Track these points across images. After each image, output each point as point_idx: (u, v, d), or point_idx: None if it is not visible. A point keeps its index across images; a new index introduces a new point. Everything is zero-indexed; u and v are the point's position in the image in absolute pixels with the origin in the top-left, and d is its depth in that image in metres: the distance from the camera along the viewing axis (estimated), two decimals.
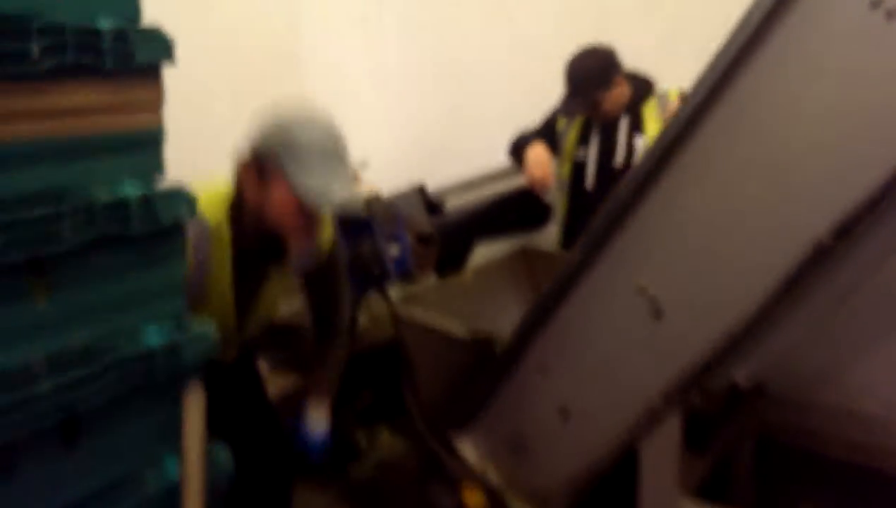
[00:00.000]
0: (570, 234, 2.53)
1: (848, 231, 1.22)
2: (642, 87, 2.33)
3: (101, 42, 0.80)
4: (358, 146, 3.22)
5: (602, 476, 1.88)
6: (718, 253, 1.41)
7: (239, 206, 1.39)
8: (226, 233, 1.39)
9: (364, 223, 2.07)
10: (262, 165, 1.32)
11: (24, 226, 0.77)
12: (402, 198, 2.06)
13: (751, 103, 1.30)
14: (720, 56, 1.30)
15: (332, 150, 1.33)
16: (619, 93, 2.27)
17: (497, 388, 2.00)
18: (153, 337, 0.91)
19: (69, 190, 0.81)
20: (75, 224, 0.81)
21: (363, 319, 3.21)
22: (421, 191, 2.31)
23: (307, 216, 1.34)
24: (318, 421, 1.88)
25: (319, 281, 1.74)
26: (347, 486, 2.65)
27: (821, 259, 1.26)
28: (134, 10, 0.86)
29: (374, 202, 2.08)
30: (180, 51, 0.88)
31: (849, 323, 2.21)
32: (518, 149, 2.43)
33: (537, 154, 2.32)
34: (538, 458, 1.98)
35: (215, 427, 1.00)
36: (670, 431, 1.67)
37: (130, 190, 0.86)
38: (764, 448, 2.32)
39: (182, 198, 0.92)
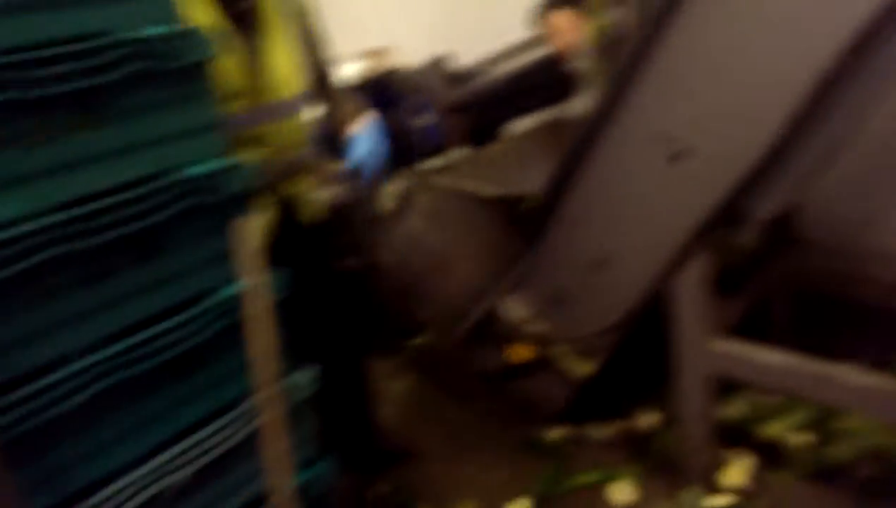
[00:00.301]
0: None
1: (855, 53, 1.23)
2: None
3: None
4: (389, 27, 3.21)
5: (638, 322, 1.99)
6: (735, 86, 1.43)
7: None
8: None
9: (390, 96, 2.13)
10: None
11: (70, 59, 0.90)
12: (423, 70, 2.11)
13: None
14: None
15: None
16: None
17: (534, 245, 2.11)
18: (197, 167, 1.06)
19: (103, 31, 0.93)
20: (110, 60, 0.93)
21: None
22: (439, 64, 2.33)
23: None
24: None
25: None
26: (406, 357, 2.84)
27: (836, 76, 1.27)
28: None
29: (395, 75, 2.13)
30: None
31: (886, 165, 2.19)
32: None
33: (559, 21, 2.31)
34: (578, 309, 2.09)
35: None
36: (699, 271, 1.74)
37: (152, 29, 0.97)
38: (804, 297, 2.36)
39: (200, 40, 1.03)
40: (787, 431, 2.12)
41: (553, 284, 2.14)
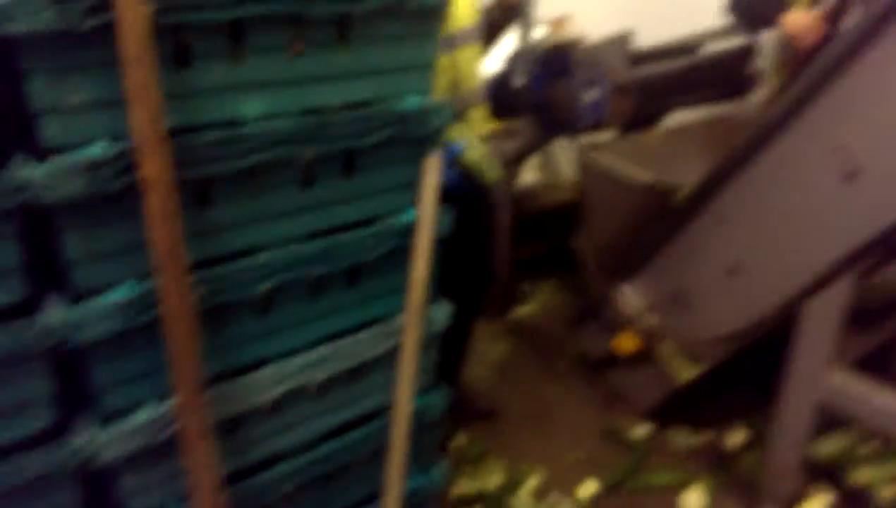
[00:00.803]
0: None
1: None
2: None
3: None
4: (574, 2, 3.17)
5: (758, 339, 1.96)
6: None
7: None
8: None
9: (565, 66, 2.15)
10: None
11: None
12: (606, 46, 2.11)
13: None
14: None
15: None
16: None
17: (671, 237, 2.10)
18: (411, 101, 1.14)
19: None
20: None
21: (543, 178, 3.36)
22: (625, 41, 2.33)
23: None
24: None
25: None
26: (510, 323, 2.93)
27: None
28: None
29: (576, 46, 2.15)
30: None
31: None
32: (744, 5, 2.31)
33: (799, 21, 2.18)
34: (700, 311, 2.09)
35: None
36: (838, 296, 1.70)
37: None
38: None
39: None
40: (879, 480, 2.07)
41: (678, 281, 2.14)
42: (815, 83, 1.58)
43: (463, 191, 1.64)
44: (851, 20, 2.19)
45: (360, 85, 1.10)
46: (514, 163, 2.50)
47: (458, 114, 1.88)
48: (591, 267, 2.41)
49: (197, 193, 1.01)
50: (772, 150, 1.74)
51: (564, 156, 3.16)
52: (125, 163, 0.91)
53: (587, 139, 2.42)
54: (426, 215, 1.23)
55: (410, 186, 1.24)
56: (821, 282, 1.69)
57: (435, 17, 1.13)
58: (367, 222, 1.22)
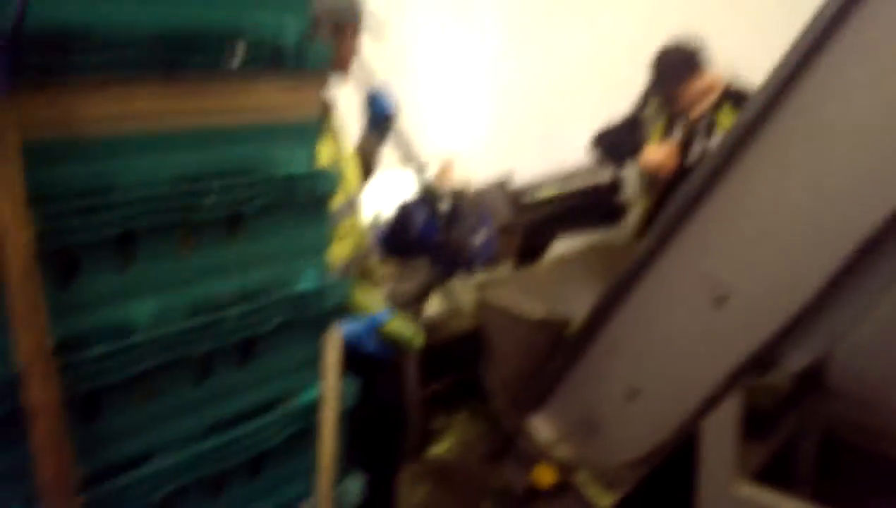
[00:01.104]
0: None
1: None
2: (728, 94, 2.45)
3: (286, 50, 1.06)
4: (453, 138, 3.45)
5: (666, 458, 2.03)
6: (784, 238, 1.55)
7: None
8: None
9: (454, 211, 2.28)
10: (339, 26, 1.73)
11: (226, 192, 1.03)
12: (489, 190, 2.27)
13: (817, 100, 1.44)
14: (782, 64, 1.45)
15: None
16: (699, 88, 2.39)
17: (570, 368, 2.18)
18: (308, 282, 1.16)
19: (256, 165, 1.06)
20: (259, 191, 1.06)
21: (445, 308, 3.44)
22: (505, 185, 2.51)
23: None
24: None
25: None
26: (425, 465, 2.86)
27: (877, 245, 1.39)
28: (305, 23, 1.12)
29: (463, 193, 2.29)
30: None
31: None
32: (606, 140, 2.60)
33: (656, 153, 2.48)
34: (607, 438, 2.14)
35: None
36: (730, 413, 1.80)
37: (298, 167, 1.11)
38: (830, 445, 2.40)
39: (332, 176, 1.16)
40: None
41: (583, 410, 2.19)
42: (676, 217, 1.76)
43: (382, 357, 1.69)
44: (696, 150, 2.49)
45: (253, 274, 1.11)
46: (415, 303, 2.55)
47: (364, 271, 1.94)
48: (500, 400, 2.44)
49: (85, 407, 0.96)
50: (647, 281, 1.88)
51: (463, 285, 3.26)
52: (9, 389, 0.85)
53: (481, 276, 2.52)
54: (329, 393, 1.22)
55: (312, 364, 1.23)
56: (711, 402, 1.79)
57: (325, 203, 1.18)
58: (269, 406, 1.19)
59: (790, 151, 1.51)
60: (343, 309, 1.24)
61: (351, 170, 1.91)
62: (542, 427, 2.33)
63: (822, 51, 1.41)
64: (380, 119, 1.95)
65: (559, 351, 2.18)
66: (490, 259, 2.36)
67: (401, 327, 1.72)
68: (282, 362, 1.20)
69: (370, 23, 1.85)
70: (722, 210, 1.66)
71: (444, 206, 2.22)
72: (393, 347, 1.72)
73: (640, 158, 2.50)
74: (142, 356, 0.98)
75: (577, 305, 2.18)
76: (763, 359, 1.69)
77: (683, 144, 2.49)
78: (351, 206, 1.88)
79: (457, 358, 2.97)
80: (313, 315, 1.18)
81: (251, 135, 1.07)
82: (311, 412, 1.23)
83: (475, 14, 3.58)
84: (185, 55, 0.97)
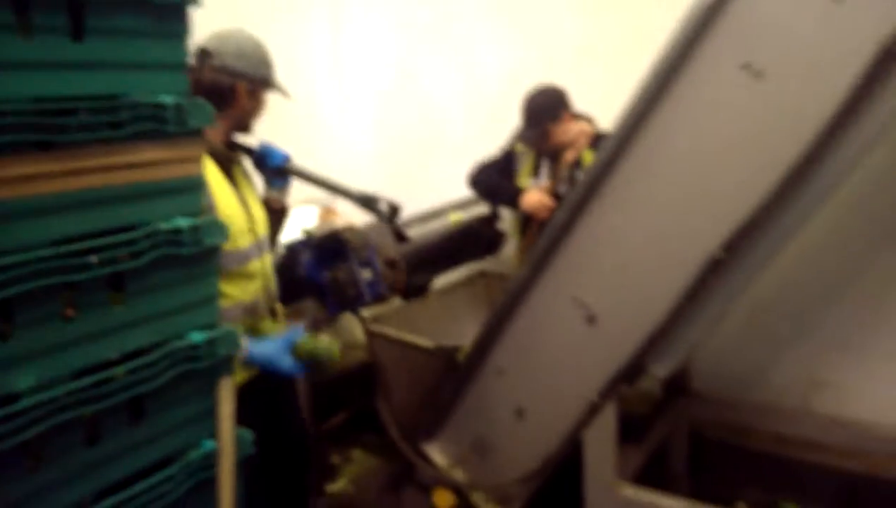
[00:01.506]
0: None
1: (734, 245, 1.57)
2: (599, 138, 2.67)
3: (166, 112, 1.09)
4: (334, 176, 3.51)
5: (556, 471, 2.17)
6: (637, 265, 1.75)
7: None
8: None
9: (340, 250, 2.33)
10: (254, 85, 1.87)
11: (109, 249, 1.04)
12: (373, 227, 2.33)
13: (655, 149, 1.65)
14: (628, 112, 1.65)
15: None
16: (567, 128, 2.60)
17: (461, 393, 2.29)
18: (197, 334, 1.18)
19: (140, 222, 1.08)
20: (143, 248, 1.08)
21: (339, 341, 3.46)
22: (390, 222, 2.59)
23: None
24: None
25: None
26: (327, 504, 2.85)
27: (714, 268, 1.60)
28: (184, 86, 1.15)
29: (348, 231, 2.35)
30: None
31: (766, 330, 2.59)
32: (482, 183, 2.78)
33: (533, 198, 2.67)
34: (499, 456, 2.26)
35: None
36: (607, 422, 1.97)
37: (183, 221, 1.13)
38: (700, 443, 2.65)
39: (219, 228, 1.20)
40: None
41: (475, 432, 2.30)
42: (546, 247, 1.92)
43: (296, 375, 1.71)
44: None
45: (141, 330, 1.12)
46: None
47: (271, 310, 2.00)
48: (395, 430, 2.50)
49: None
50: (526, 306, 2.03)
51: (354, 321, 3.29)
52: None
53: (371, 311, 2.58)
54: (226, 443, 1.23)
55: (207, 416, 1.24)
56: (589, 415, 1.95)
57: (211, 255, 1.20)
58: (166, 462, 1.19)
59: (636, 189, 1.71)
60: (233, 361, 1.26)
61: (258, 212, 1.96)
62: (437, 453, 2.41)
63: (659, 104, 1.62)
64: (276, 168, 2.02)
65: (449, 377, 2.27)
66: (378, 294, 2.42)
67: (316, 342, 1.71)
68: (176, 417, 1.20)
69: (278, 80, 1.94)
70: (585, 240, 1.84)
71: (329, 245, 2.27)
72: (310, 364, 1.70)
73: (520, 201, 2.68)
74: (27, 423, 0.96)
75: (466, 332, 2.29)
76: (633, 371, 1.87)
77: (552, 189, 2.70)
78: (259, 248, 1.93)
79: (351, 393, 2.99)
80: (204, 367, 1.19)
81: (133, 195, 1.09)
82: (208, 465, 1.24)
83: (349, 60, 3.70)
84: (64, 121, 0.98)
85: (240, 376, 1.87)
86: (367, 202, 2.09)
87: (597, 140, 2.56)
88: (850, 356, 2.42)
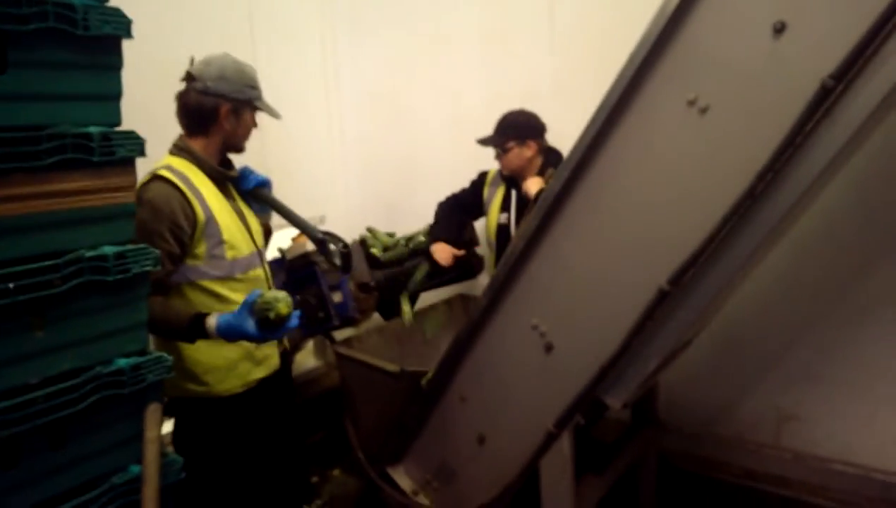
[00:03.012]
0: None
1: (679, 279, 1.56)
2: (553, 164, 2.68)
3: (92, 142, 1.11)
4: (319, 202, 3.57)
5: (515, 496, 2.15)
6: (589, 295, 1.74)
7: (185, 145, 1.93)
8: (191, 166, 1.90)
9: (310, 273, 2.35)
10: (237, 106, 1.93)
11: (29, 276, 1.06)
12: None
13: (605, 182, 1.65)
14: (580, 143, 1.65)
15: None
16: (526, 154, 2.60)
17: (425, 418, 2.28)
18: (124, 359, 1.19)
19: (65, 249, 1.10)
20: (65, 275, 1.10)
21: (319, 364, 3.50)
22: (363, 244, 2.61)
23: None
24: None
25: None
26: None
27: (662, 301, 1.59)
28: (115, 117, 1.18)
29: (318, 255, 2.37)
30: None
31: (735, 362, 2.56)
32: (435, 215, 2.87)
33: (440, 249, 2.77)
34: (462, 483, 2.25)
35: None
36: (564, 451, 1.95)
37: (109, 249, 1.15)
38: (668, 474, 2.62)
39: (148, 255, 1.21)
40: None
41: (440, 457, 2.29)
42: (505, 275, 1.92)
43: (263, 338, 1.71)
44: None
45: (61, 357, 1.13)
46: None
47: None
48: (360, 454, 2.50)
49: None
50: (486, 334, 2.02)
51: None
52: None
53: (342, 333, 2.60)
54: (150, 469, 1.24)
55: (134, 441, 1.25)
56: (546, 444, 1.93)
57: (139, 285, 1.22)
58: (89, 486, 1.20)
59: (587, 220, 1.70)
60: (160, 386, 1.27)
61: (254, 224, 2.07)
62: (403, 477, 2.40)
63: (609, 137, 1.62)
64: (248, 191, 2.07)
65: (414, 402, 2.27)
66: (348, 317, 2.43)
67: (270, 296, 1.68)
68: (101, 441, 1.21)
69: (264, 101, 1.99)
70: (540, 269, 1.84)
71: (300, 267, 2.29)
72: (268, 323, 1.68)
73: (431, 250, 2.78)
74: None
75: (436, 356, 2.29)
76: (587, 401, 1.85)
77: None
78: (260, 257, 2.05)
79: (330, 413, 3.00)
80: (130, 392, 1.21)
81: (58, 223, 1.11)
82: (134, 489, 1.24)
83: (336, 90, 3.77)
84: None
85: (236, 383, 1.94)
86: (320, 243, 2.11)
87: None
88: (819, 389, 2.39)
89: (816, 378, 2.39)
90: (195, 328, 1.69)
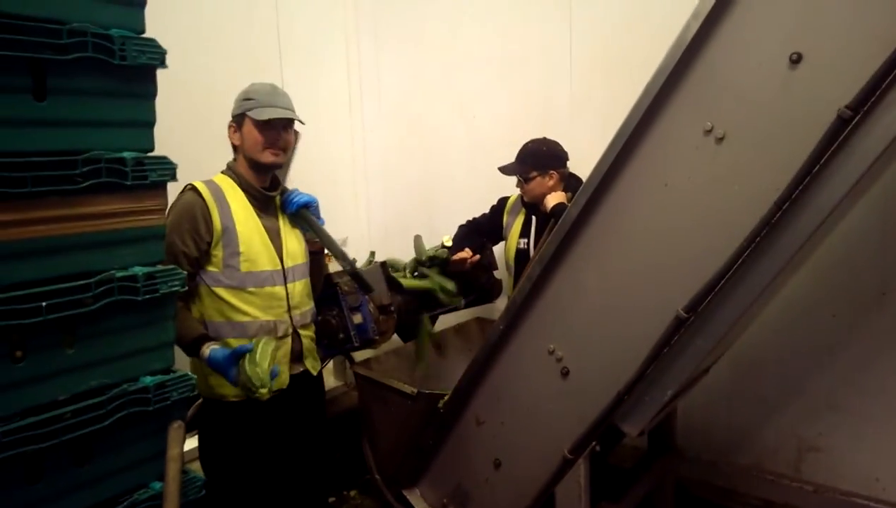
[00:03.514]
0: None
1: (696, 307, 1.57)
2: (573, 189, 2.69)
3: (125, 167, 1.16)
4: (341, 224, 3.62)
5: None
6: (606, 321, 1.75)
7: (232, 165, 2.08)
8: (231, 183, 2.04)
9: (332, 294, 2.38)
10: (237, 121, 2.04)
11: (61, 295, 1.10)
12: (366, 273, 2.38)
13: (622, 209, 1.66)
14: (598, 170, 1.67)
15: (274, 90, 2.05)
16: (548, 184, 2.62)
17: (442, 441, 2.28)
18: (148, 378, 1.23)
19: (97, 270, 1.14)
20: (98, 294, 1.14)
21: (339, 384, 3.52)
22: (383, 267, 2.64)
23: (266, 133, 2.00)
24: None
25: None
26: None
27: (679, 328, 1.60)
28: (149, 143, 1.22)
29: (340, 276, 2.41)
30: None
31: (755, 390, 2.54)
32: (454, 238, 2.90)
33: (457, 254, 2.82)
34: (477, 506, 2.23)
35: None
36: (580, 478, 1.94)
37: (139, 269, 1.19)
38: (684, 503, 2.58)
39: (176, 275, 1.25)
40: None
41: (457, 479, 2.29)
42: (522, 300, 1.93)
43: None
44: None
45: (90, 375, 1.17)
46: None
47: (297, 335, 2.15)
48: (376, 475, 2.50)
49: None
50: (503, 357, 2.03)
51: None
52: None
53: (361, 354, 2.62)
54: (171, 486, 1.26)
55: (158, 458, 1.28)
56: (562, 470, 1.93)
57: (167, 301, 1.26)
58: (110, 504, 1.22)
59: (604, 246, 1.72)
60: (185, 403, 1.30)
61: (293, 245, 2.13)
62: (419, 500, 2.40)
63: (627, 164, 1.64)
64: (290, 213, 2.13)
65: (431, 424, 2.28)
66: (368, 339, 2.45)
67: (253, 376, 1.77)
68: (125, 458, 1.24)
69: (260, 111, 2.03)
70: (558, 294, 1.85)
71: (322, 289, 2.32)
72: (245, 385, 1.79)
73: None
74: None
75: (454, 378, 2.29)
76: (603, 428, 1.85)
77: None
78: (285, 275, 2.09)
79: (347, 434, 3.01)
80: (154, 410, 1.24)
81: (91, 244, 1.15)
82: (156, 506, 1.27)
83: (360, 114, 3.85)
84: (20, 175, 1.05)
85: (233, 391, 1.98)
86: (353, 275, 2.23)
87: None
88: (842, 418, 2.35)
89: (839, 407, 2.35)
90: (194, 348, 1.89)
